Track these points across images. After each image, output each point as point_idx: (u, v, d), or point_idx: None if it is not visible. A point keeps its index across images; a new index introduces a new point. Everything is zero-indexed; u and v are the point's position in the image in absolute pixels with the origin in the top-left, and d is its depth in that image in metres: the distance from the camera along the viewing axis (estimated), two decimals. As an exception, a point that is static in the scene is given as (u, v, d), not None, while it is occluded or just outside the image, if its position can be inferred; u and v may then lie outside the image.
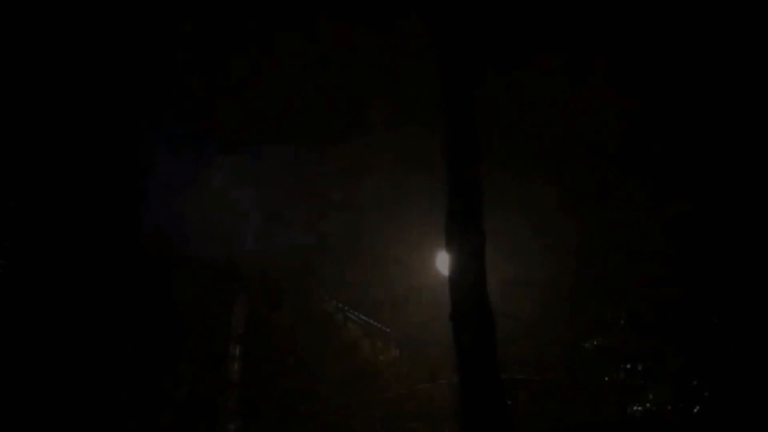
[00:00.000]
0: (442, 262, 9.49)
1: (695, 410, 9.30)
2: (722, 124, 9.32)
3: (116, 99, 9.26)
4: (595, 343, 10.07)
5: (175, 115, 9.69)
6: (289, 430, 9.99)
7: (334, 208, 10.63)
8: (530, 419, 8.98)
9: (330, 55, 9.72)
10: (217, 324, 9.93)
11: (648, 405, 9.69)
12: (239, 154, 10.19)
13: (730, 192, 9.49)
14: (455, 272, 5.54)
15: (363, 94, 10.12)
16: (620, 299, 10.11)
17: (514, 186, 10.01)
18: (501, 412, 5.23)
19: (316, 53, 9.73)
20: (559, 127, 10.18)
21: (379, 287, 10.90)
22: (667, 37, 9.28)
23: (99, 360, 8.73)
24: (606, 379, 10.02)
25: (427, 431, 10.25)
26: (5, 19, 8.37)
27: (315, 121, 10.43)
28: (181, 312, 9.51)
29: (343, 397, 10.50)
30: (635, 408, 9.72)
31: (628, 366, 9.88)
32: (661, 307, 9.85)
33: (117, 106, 9.26)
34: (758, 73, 8.93)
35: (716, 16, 9.07)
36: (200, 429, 9.31)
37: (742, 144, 9.26)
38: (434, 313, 9.23)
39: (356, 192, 10.57)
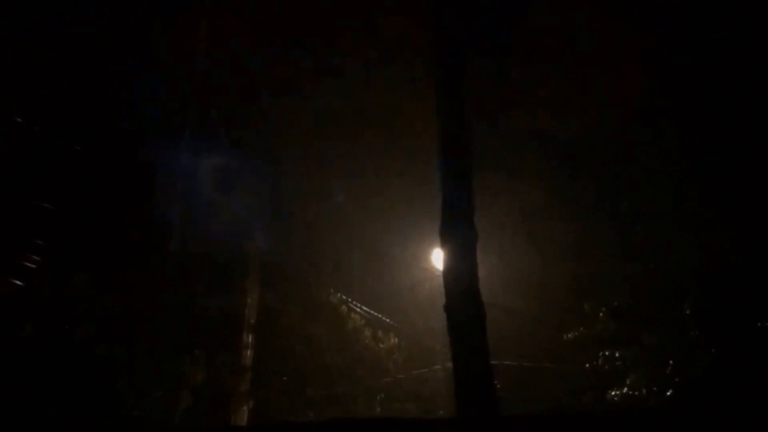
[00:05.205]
0: (437, 258, 10.14)
1: (668, 393, 9.78)
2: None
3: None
4: (576, 332, 10.50)
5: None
6: (298, 412, 10.58)
7: (337, 209, 11.18)
8: (517, 401, 9.29)
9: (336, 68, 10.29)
10: (232, 314, 10.46)
11: (625, 389, 10.02)
12: (251, 158, 10.78)
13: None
14: (449, 267, 5.67)
15: (361, 95, 10.63)
16: (600, 292, 10.58)
17: (508, 187, 10.56)
18: (490, 395, 5.40)
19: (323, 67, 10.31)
20: (552, 130, 10.69)
21: (379, 281, 11.48)
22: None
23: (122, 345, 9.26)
24: (587, 365, 10.44)
25: (423, 412, 10.74)
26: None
27: (315, 123, 10.99)
28: (199, 304, 10.06)
29: (347, 381, 11.08)
30: (614, 392, 10.08)
31: (607, 353, 10.28)
32: (638, 299, 10.38)
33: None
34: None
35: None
36: (216, 409, 9.85)
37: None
38: (430, 304, 9.85)
39: (358, 193, 11.11)
